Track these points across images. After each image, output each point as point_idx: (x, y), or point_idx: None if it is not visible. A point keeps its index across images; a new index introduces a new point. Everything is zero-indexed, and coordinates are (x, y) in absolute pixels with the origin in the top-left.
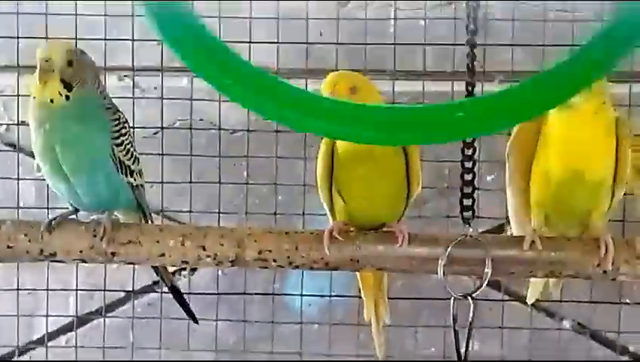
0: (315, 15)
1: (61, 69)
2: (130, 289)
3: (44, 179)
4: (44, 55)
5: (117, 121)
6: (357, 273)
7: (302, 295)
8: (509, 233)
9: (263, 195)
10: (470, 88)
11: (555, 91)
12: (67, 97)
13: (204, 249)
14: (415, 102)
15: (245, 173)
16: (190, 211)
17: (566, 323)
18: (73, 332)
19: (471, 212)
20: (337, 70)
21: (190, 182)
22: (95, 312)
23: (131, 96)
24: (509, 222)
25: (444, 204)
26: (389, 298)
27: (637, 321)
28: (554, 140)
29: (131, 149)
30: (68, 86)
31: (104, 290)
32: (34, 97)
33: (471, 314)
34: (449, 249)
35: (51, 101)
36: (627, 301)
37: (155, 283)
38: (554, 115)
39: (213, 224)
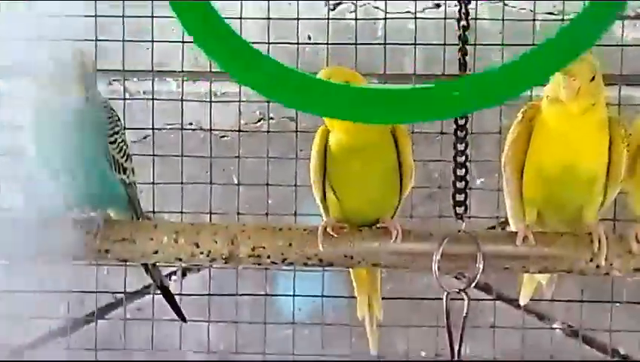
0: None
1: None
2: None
3: None
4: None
5: (111, 119)
6: (350, 269)
7: (294, 295)
8: None
9: (254, 198)
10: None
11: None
12: (87, 98)
13: (197, 246)
14: None
15: (235, 178)
16: (181, 212)
17: (557, 326)
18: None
19: (464, 207)
20: None
21: (181, 183)
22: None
23: (121, 99)
24: (506, 223)
25: (434, 208)
26: (382, 298)
27: (628, 323)
28: (545, 136)
29: (124, 147)
30: (87, 88)
31: (95, 292)
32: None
33: (465, 309)
34: (443, 244)
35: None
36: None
37: (146, 287)
38: (545, 111)
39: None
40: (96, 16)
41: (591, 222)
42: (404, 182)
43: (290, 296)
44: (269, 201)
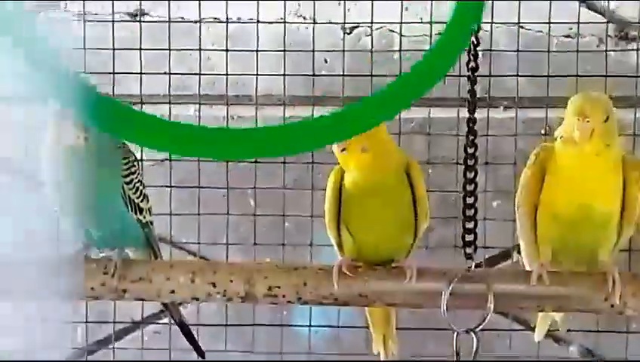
0: (319, 41)
1: None
2: (139, 320)
3: None
4: None
5: (127, 160)
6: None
7: (310, 326)
8: (514, 259)
9: (271, 222)
10: (471, 113)
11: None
12: (86, 138)
13: (214, 285)
14: (420, 128)
15: (252, 202)
16: (198, 243)
17: (573, 349)
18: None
19: (473, 247)
20: (343, 97)
21: (198, 214)
22: (103, 341)
23: None
24: (516, 249)
25: (450, 232)
26: (396, 328)
27: None
28: (559, 177)
29: (140, 187)
30: (86, 128)
31: (113, 322)
32: (52, 141)
33: (474, 350)
34: (452, 284)
35: (73, 144)
36: (634, 325)
37: (162, 311)
38: (559, 152)
39: (222, 252)
40: (113, 46)
41: (605, 261)
42: (418, 221)
43: (306, 326)
44: (287, 224)
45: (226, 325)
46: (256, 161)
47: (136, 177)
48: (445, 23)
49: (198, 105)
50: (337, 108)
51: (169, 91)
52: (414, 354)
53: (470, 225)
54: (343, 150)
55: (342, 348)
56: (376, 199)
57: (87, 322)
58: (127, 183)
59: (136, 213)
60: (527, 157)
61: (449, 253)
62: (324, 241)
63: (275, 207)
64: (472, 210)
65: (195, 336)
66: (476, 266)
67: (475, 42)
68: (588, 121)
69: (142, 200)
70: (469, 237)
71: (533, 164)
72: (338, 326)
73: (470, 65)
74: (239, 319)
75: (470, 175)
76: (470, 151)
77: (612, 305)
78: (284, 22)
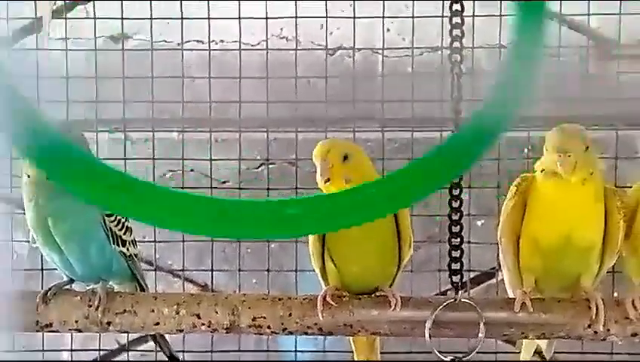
0: (302, 61)
1: None
2: (124, 344)
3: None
4: None
5: None
6: None
7: (296, 351)
8: (499, 278)
9: (255, 243)
10: None
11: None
12: None
13: (198, 317)
14: (404, 149)
15: None
16: (183, 270)
17: None
18: None
19: (460, 276)
20: (327, 118)
21: (182, 241)
22: None
23: (122, 148)
24: (499, 266)
25: (435, 251)
26: (383, 352)
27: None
28: (541, 208)
29: (122, 219)
30: None
31: (99, 350)
32: (28, 175)
33: None
34: (435, 313)
35: (47, 178)
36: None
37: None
38: (541, 183)
39: (207, 273)
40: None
41: (588, 288)
42: (402, 252)
43: (292, 351)
44: (272, 245)
45: (212, 351)
46: (240, 188)
47: None
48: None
49: (181, 129)
50: (321, 131)
51: (152, 115)
52: None
53: (457, 254)
54: (327, 180)
55: None
56: (359, 230)
57: (72, 350)
58: (108, 215)
59: (118, 246)
60: (511, 176)
61: (434, 273)
62: (309, 264)
63: None
64: (459, 239)
65: (182, 359)
66: (462, 287)
67: (459, 72)
68: (569, 156)
69: (124, 233)
70: (456, 266)
71: (514, 195)
72: (324, 351)
73: (454, 95)
74: (225, 340)
75: (456, 203)
76: (455, 180)
77: (595, 332)
78: (267, 49)
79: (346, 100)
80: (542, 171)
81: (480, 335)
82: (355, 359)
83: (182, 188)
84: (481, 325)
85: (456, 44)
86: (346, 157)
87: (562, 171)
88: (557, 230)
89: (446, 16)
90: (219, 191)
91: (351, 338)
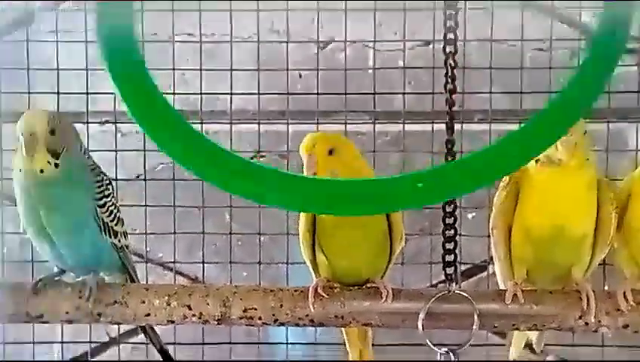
0: (293, 55)
1: (46, 139)
2: (115, 336)
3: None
4: (28, 129)
5: (100, 183)
6: None
7: (287, 343)
8: (490, 271)
9: (246, 235)
10: (450, 135)
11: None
12: (56, 165)
13: (189, 308)
14: (395, 141)
15: (228, 216)
16: (174, 262)
17: (550, 359)
18: None
19: (453, 268)
20: (317, 111)
21: (174, 233)
22: (80, 358)
23: (113, 140)
24: (491, 260)
25: (426, 242)
26: (375, 345)
27: (619, 354)
28: (533, 198)
29: (114, 210)
30: (55, 154)
31: (89, 342)
32: (20, 169)
33: None
34: (428, 305)
35: (41, 171)
36: (609, 335)
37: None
38: (535, 171)
39: (198, 265)
40: (87, 65)
41: (579, 279)
42: (393, 244)
43: (283, 343)
44: (262, 238)
45: (203, 344)
46: None
47: (110, 200)
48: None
49: None
50: (312, 122)
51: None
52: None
53: (450, 246)
54: (314, 174)
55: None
56: (349, 223)
57: (62, 342)
58: (101, 206)
59: (110, 237)
60: None
61: (425, 266)
62: (300, 257)
63: (250, 219)
64: (452, 231)
65: (172, 353)
66: (453, 280)
67: (453, 64)
68: (571, 135)
69: (116, 224)
70: (449, 258)
71: (506, 186)
72: (315, 343)
73: (448, 88)
74: (216, 332)
75: (450, 208)
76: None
77: (586, 323)
78: (258, 41)
79: (338, 93)
80: (536, 162)
81: (474, 327)
82: (348, 349)
83: (173, 180)
84: (475, 316)
85: (450, 35)
86: (331, 151)
87: (563, 151)
88: (549, 219)
89: (438, 9)
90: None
91: (343, 329)
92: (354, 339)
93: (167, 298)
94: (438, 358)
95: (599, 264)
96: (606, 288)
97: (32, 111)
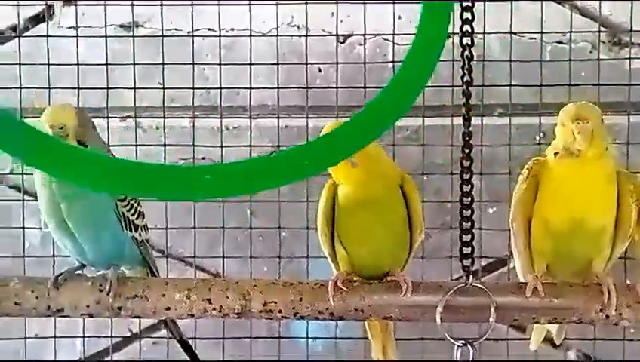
0: (313, 49)
1: (76, 132)
2: (137, 332)
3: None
4: (57, 122)
5: None
6: None
7: (307, 337)
8: (511, 266)
9: (267, 231)
10: (467, 127)
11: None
12: None
13: (209, 302)
14: (415, 136)
15: (248, 211)
16: (194, 257)
17: (571, 354)
18: None
19: (470, 260)
20: (337, 106)
21: (194, 228)
22: (102, 353)
23: (134, 135)
24: (511, 254)
25: (446, 238)
26: (396, 339)
27: None
28: (553, 191)
29: (135, 204)
30: (83, 145)
31: (111, 337)
32: None
33: (472, 360)
34: (446, 297)
35: None
36: (632, 330)
37: (160, 321)
38: (554, 163)
39: (219, 260)
40: (107, 60)
41: (600, 272)
42: (413, 236)
43: (304, 338)
44: (283, 234)
45: (224, 338)
46: None
47: None
48: None
49: (192, 117)
50: (332, 117)
51: (163, 103)
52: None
53: (467, 238)
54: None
55: (340, 356)
56: (369, 214)
57: (84, 337)
58: (121, 200)
59: (131, 231)
60: (522, 163)
61: (445, 261)
62: (321, 252)
63: (271, 214)
64: (470, 223)
65: (193, 347)
66: (473, 274)
67: (470, 56)
68: (587, 122)
69: (137, 218)
70: (467, 250)
71: (526, 179)
72: (336, 338)
73: (465, 80)
74: (237, 327)
75: (467, 188)
76: (466, 164)
77: (607, 316)
78: (277, 35)
79: (357, 87)
80: (555, 155)
81: (491, 319)
82: (371, 342)
83: None
84: (492, 309)
85: (467, 27)
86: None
87: (580, 139)
88: (569, 212)
89: (457, 0)
90: None
91: (365, 322)
92: (376, 332)
93: (187, 291)
94: (455, 351)
95: (620, 257)
96: (627, 281)
97: (59, 105)
